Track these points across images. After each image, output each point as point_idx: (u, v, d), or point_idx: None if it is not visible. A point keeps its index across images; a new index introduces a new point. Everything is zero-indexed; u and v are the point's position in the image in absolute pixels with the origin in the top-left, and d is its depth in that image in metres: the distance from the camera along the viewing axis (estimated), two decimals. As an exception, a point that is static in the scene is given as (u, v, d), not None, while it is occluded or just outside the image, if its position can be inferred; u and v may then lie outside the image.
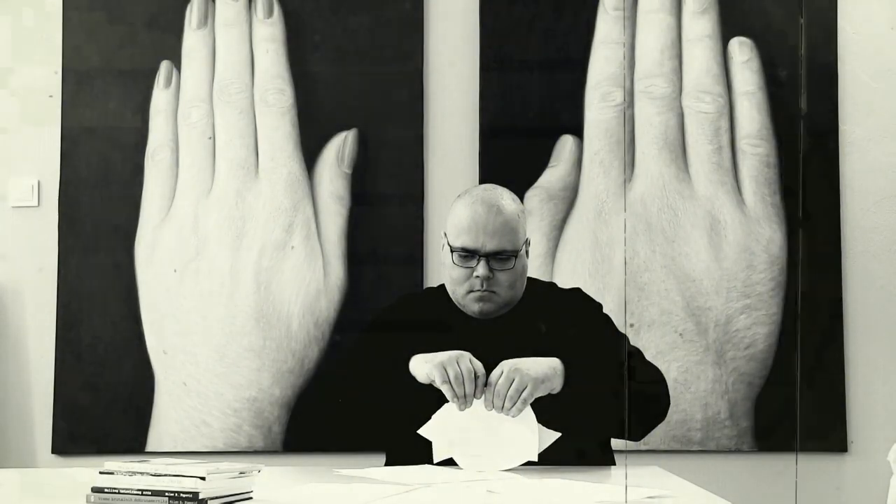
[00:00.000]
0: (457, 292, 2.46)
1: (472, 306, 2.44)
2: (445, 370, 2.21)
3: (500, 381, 2.21)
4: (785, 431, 3.50)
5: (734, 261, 3.54)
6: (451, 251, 2.42)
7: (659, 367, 2.50)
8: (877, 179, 3.59)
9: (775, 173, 3.56)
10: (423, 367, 2.26)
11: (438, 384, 2.21)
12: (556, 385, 2.25)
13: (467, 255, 2.41)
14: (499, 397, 2.20)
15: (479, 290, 2.41)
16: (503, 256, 2.41)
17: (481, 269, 2.40)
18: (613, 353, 2.42)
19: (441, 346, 2.29)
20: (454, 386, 2.20)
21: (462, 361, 2.22)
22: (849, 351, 3.54)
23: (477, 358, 2.24)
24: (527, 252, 2.49)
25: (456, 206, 2.46)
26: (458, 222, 2.42)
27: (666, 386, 2.45)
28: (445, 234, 2.46)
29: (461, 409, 2.22)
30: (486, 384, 2.23)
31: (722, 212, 3.55)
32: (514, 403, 2.19)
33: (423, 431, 2.27)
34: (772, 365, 3.52)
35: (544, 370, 2.23)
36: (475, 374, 2.21)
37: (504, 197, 2.45)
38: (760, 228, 3.54)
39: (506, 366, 2.22)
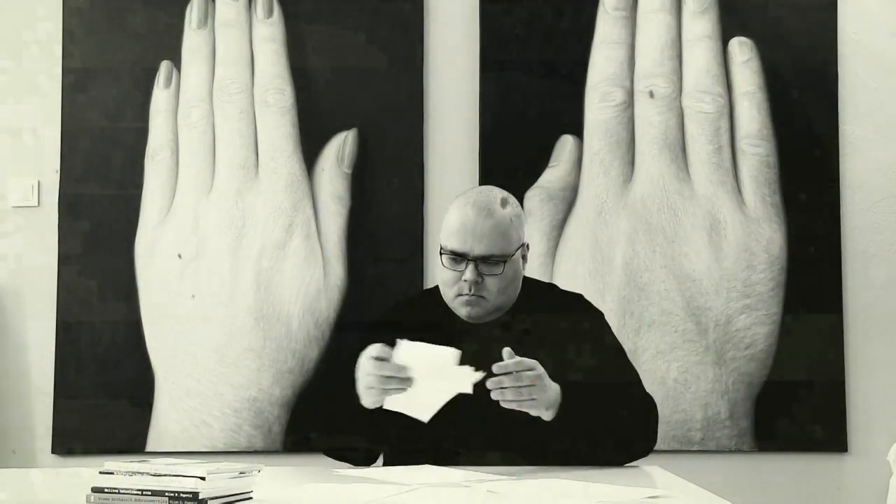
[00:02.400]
0: (447, 295, 2.44)
1: (460, 310, 2.42)
2: (371, 377, 2.19)
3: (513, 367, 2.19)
4: (785, 431, 3.51)
5: (734, 261, 3.53)
6: (441, 253, 2.41)
7: (655, 401, 2.47)
8: (877, 179, 3.59)
9: (775, 173, 3.56)
10: (365, 399, 2.24)
11: (383, 393, 2.20)
12: (545, 416, 2.24)
13: (456, 258, 2.39)
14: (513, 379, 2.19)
15: (466, 294, 2.39)
16: (492, 261, 2.38)
17: (469, 273, 2.37)
18: (609, 372, 2.41)
19: None
20: (389, 389, 2.19)
21: (373, 369, 2.19)
22: (849, 351, 3.54)
23: (472, 361, 2.20)
24: (524, 256, 2.46)
25: (450, 207, 2.44)
26: (449, 224, 2.41)
27: (656, 423, 2.43)
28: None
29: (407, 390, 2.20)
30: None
31: (722, 212, 3.55)
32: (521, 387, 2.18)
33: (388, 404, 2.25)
34: (772, 365, 3.52)
35: (553, 398, 2.23)
36: (393, 370, 2.18)
37: (498, 200, 2.41)
38: (760, 228, 3.54)
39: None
